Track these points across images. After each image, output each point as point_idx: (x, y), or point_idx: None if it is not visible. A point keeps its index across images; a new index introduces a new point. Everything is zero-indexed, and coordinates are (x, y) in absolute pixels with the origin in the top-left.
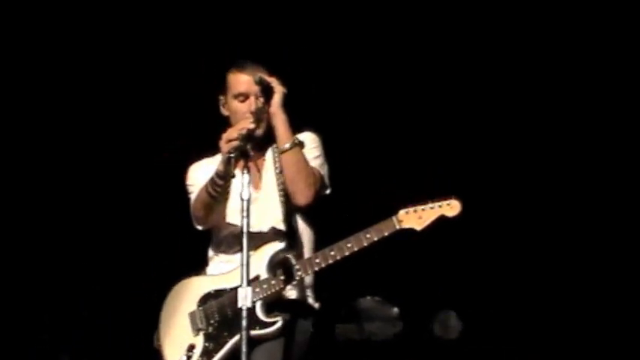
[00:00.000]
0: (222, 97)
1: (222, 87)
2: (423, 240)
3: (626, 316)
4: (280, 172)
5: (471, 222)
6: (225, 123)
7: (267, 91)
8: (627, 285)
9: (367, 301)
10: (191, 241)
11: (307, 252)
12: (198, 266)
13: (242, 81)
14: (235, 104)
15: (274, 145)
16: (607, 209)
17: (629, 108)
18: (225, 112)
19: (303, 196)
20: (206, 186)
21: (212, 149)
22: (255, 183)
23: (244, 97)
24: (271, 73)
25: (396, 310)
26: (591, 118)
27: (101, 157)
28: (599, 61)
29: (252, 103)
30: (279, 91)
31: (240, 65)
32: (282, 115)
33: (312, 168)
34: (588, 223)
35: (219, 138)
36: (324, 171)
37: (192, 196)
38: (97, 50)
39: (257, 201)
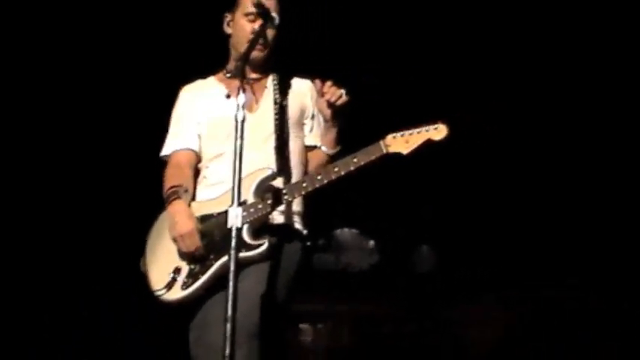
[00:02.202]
0: (228, 15)
1: (232, 5)
2: (399, 173)
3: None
4: (277, 103)
5: (445, 155)
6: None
7: (265, 16)
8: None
9: (344, 233)
10: None
11: (296, 177)
12: None
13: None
14: (242, 22)
15: (275, 75)
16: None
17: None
18: (228, 30)
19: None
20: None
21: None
22: (250, 106)
23: (254, 17)
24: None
25: (372, 242)
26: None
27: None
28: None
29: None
30: (338, 96)
31: None
32: (338, 123)
33: None
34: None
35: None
36: None
37: (173, 125)
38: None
39: (250, 124)
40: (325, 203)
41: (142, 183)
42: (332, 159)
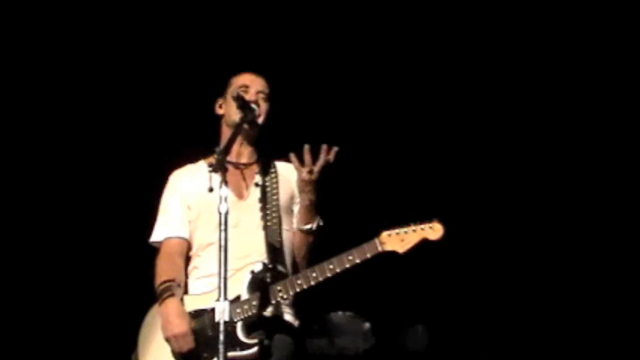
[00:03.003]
0: (220, 99)
1: (222, 90)
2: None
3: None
4: (267, 191)
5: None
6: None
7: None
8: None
9: (339, 316)
10: None
11: (289, 266)
12: None
13: (248, 76)
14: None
15: (264, 160)
16: (576, 235)
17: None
18: (220, 111)
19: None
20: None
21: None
22: (240, 193)
23: (246, 88)
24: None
25: (367, 324)
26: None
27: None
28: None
29: (252, 95)
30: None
31: (247, 70)
32: (314, 193)
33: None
34: (555, 239)
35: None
36: None
37: (163, 210)
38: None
39: (241, 211)
40: (318, 286)
41: (131, 272)
42: (309, 234)
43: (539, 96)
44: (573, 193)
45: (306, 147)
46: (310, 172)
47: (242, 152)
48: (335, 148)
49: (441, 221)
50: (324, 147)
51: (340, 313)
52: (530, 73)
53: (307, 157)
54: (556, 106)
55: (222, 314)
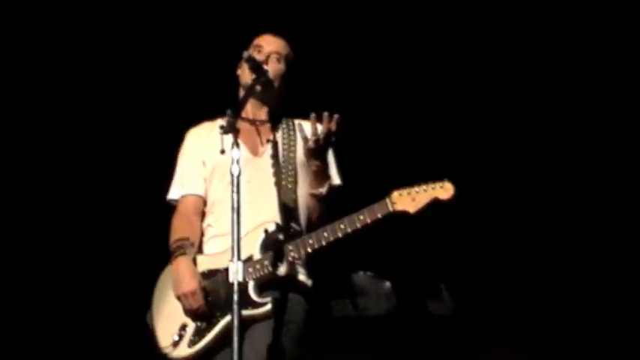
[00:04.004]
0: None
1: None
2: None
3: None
4: (284, 146)
5: (464, 197)
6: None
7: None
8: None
9: (360, 277)
10: None
11: (303, 223)
12: None
13: (265, 37)
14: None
15: (283, 118)
16: (600, 197)
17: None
18: (238, 71)
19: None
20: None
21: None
22: (256, 149)
23: (260, 48)
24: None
25: (388, 284)
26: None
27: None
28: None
29: (263, 55)
30: (325, 128)
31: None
32: (322, 160)
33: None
34: (573, 207)
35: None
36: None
37: (179, 168)
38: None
39: (256, 168)
40: (339, 247)
41: (149, 229)
42: (321, 201)
43: (553, 56)
44: (589, 143)
45: (312, 116)
46: (316, 141)
47: (257, 112)
48: (336, 116)
49: (452, 181)
50: (325, 115)
51: (361, 273)
52: (541, 33)
53: (313, 127)
54: (569, 64)
55: (235, 275)
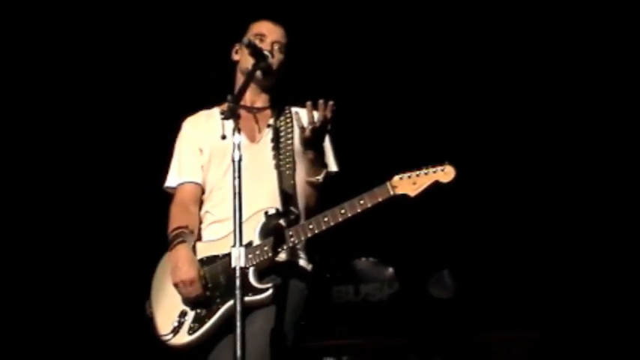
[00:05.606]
0: (237, 45)
1: (240, 36)
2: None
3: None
4: (280, 133)
5: (465, 182)
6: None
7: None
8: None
9: (362, 263)
10: None
11: (301, 209)
12: None
13: (266, 25)
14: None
15: (279, 105)
16: (601, 183)
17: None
18: (235, 57)
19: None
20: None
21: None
22: (253, 136)
23: (263, 37)
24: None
25: (391, 270)
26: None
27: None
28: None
29: (268, 45)
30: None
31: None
32: (317, 148)
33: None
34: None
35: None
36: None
37: (177, 156)
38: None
39: (253, 155)
40: (341, 233)
41: (146, 219)
42: (318, 188)
43: (553, 41)
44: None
45: (308, 104)
46: (313, 129)
47: (255, 99)
48: (331, 103)
49: (452, 164)
50: (321, 102)
51: (364, 259)
52: (542, 19)
53: (309, 114)
54: (570, 57)
55: (237, 260)
